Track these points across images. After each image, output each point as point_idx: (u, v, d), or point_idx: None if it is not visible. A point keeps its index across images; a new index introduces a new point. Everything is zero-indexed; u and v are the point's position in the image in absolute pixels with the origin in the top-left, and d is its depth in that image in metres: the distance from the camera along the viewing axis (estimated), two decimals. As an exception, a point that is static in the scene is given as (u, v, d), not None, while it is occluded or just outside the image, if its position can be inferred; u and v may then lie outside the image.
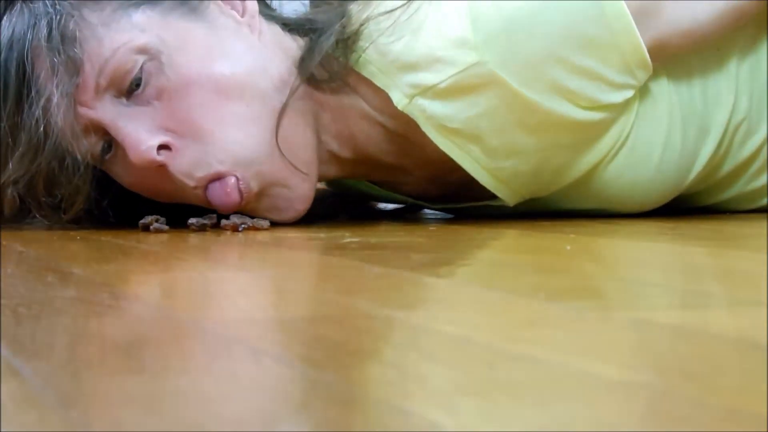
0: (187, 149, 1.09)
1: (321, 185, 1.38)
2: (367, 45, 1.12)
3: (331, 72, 1.14)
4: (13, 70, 1.09)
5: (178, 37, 1.10)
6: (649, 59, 1.11)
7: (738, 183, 1.25)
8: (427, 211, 1.37)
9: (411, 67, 1.10)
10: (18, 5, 1.11)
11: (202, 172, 1.09)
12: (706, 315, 0.55)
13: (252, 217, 1.13)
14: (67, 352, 0.50)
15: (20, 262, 0.91)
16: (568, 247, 0.93)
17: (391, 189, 1.27)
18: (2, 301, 0.64)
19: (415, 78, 1.10)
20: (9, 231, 1.14)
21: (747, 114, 1.20)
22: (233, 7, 1.15)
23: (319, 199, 1.35)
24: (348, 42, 1.13)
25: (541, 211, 1.23)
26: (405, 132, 1.16)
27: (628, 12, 1.09)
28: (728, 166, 1.22)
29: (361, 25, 1.12)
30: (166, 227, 1.12)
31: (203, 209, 1.15)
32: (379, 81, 1.12)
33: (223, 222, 1.13)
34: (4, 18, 1.11)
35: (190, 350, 0.50)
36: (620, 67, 1.10)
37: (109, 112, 1.09)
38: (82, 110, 1.09)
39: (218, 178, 1.10)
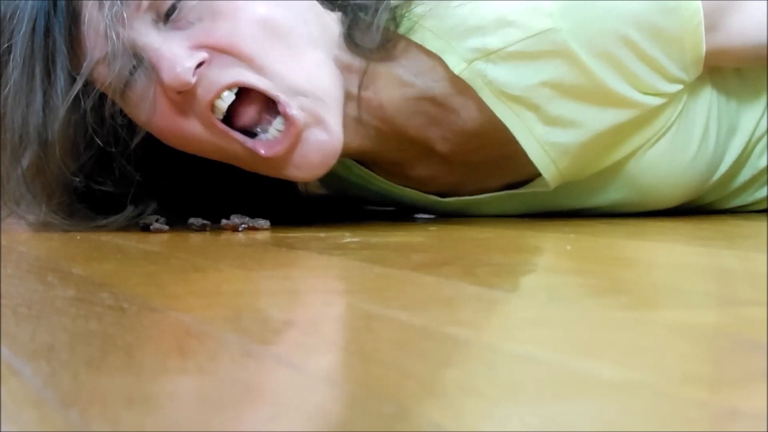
0: (220, 59, 1.06)
1: (321, 190, 1.37)
2: (424, 11, 1.12)
3: (379, 41, 1.13)
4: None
5: None
6: (703, 61, 1.13)
7: (746, 193, 1.26)
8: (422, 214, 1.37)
9: (476, 30, 1.10)
10: None
11: (228, 78, 1.06)
12: (706, 315, 0.55)
13: (252, 217, 1.13)
14: (67, 352, 0.50)
15: (20, 262, 0.91)
16: (568, 247, 0.93)
17: (400, 178, 1.26)
18: (2, 301, 0.64)
19: (480, 42, 1.10)
20: (9, 231, 1.14)
21: None
22: None
23: (319, 200, 1.35)
24: (398, 10, 1.12)
25: (551, 209, 1.23)
26: (445, 100, 1.15)
27: (702, 13, 1.11)
28: (744, 177, 1.23)
29: None
30: (166, 227, 1.12)
31: (203, 210, 1.15)
32: (432, 45, 1.12)
33: (223, 222, 1.13)
34: None
35: (190, 350, 0.50)
36: (679, 63, 1.13)
37: (145, 33, 1.06)
38: (120, 30, 1.05)
39: (248, 88, 1.06)
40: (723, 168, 1.21)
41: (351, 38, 1.13)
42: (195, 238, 1.06)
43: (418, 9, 1.12)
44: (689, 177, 1.19)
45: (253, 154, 1.08)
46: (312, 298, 0.67)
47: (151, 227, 1.12)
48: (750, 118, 1.21)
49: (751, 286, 0.65)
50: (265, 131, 1.08)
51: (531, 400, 0.38)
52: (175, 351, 0.50)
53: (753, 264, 0.77)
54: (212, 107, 1.06)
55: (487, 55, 1.10)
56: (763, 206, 1.27)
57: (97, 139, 1.10)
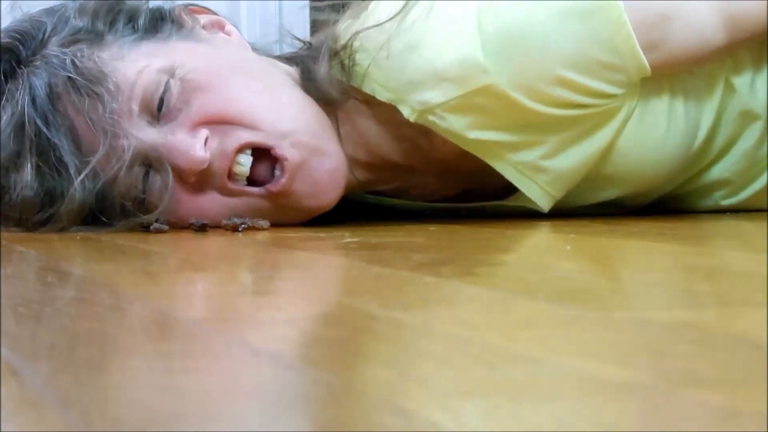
0: (219, 129, 1.10)
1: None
2: (367, 63, 1.13)
3: (337, 92, 1.16)
4: (42, 125, 1.09)
5: (185, 54, 1.13)
6: (649, 73, 1.13)
7: (732, 152, 1.25)
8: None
9: (417, 85, 1.11)
10: (24, 70, 1.12)
11: (234, 143, 1.09)
12: (706, 315, 0.55)
13: (252, 217, 1.13)
14: (67, 352, 0.50)
15: (20, 262, 0.91)
16: (568, 247, 0.93)
17: (402, 195, 1.28)
18: (2, 301, 0.64)
19: (422, 96, 1.11)
20: (9, 231, 1.14)
21: (745, 94, 1.21)
22: (220, 31, 1.20)
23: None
24: (344, 61, 1.14)
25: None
26: (414, 137, 1.17)
27: (633, 35, 1.10)
28: (723, 135, 1.23)
29: (349, 40, 1.14)
30: (166, 227, 1.12)
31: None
32: (383, 96, 1.13)
33: (224, 222, 1.13)
34: (10, 84, 1.11)
35: (190, 350, 0.50)
36: (623, 85, 1.13)
37: (147, 135, 1.09)
38: (122, 141, 1.08)
39: (249, 148, 1.10)
40: (701, 134, 1.21)
41: (310, 89, 1.16)
42: (195, 238, 1.06)
43: (361, 57, 1.13)
44: (669, 150, 1.19)
45: (268, 197, 1.11)
46: (312, 298, 0.67)
47: (151, 227, 1.12)
48: (717, 85, 1.21)
49: (751, 286, 0.65)
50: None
51: (531, 400, 0.38)
52: (175, 351, 0.50)
53: (753, 264, 0.77)
54: (230, 174, 1.10)
55: (432, 108, 1.11)
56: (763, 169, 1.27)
57: (101, 217, 1.12)
